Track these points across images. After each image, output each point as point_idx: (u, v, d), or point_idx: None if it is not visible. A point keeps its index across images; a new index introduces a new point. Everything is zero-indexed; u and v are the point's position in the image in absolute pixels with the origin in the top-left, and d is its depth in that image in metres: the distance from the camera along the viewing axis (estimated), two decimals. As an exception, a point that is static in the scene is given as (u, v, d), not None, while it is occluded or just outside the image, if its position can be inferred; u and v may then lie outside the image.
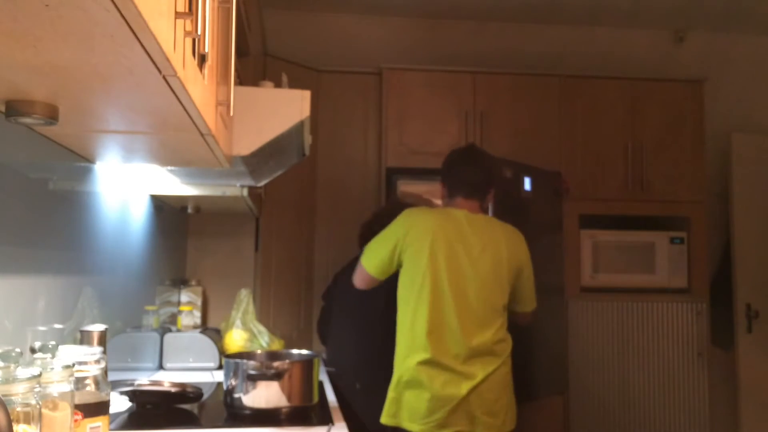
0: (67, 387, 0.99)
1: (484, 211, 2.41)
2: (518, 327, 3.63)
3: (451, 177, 2.39)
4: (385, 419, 2.24)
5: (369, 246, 2.36)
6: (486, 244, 2.27)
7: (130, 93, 1.03)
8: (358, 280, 2.39)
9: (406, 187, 3.46)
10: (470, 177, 2.36)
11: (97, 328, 1.51)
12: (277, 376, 1.70)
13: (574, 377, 3.56)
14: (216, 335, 2.61)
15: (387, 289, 2.39)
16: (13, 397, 0.85)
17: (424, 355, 2.17)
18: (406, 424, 2.18)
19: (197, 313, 2.90)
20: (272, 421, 1.64)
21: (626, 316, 3.63)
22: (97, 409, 1.11)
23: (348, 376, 2.68)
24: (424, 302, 2.20)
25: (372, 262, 2.32)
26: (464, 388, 2.16)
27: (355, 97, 3.67)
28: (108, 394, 1.15)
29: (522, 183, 3.31)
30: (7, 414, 0.75)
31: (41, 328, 1.50)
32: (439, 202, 2.59)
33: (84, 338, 1.49)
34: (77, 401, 1.05)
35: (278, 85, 1.81)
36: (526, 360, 3.51)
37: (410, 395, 2.18)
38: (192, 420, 1.73)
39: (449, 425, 2.14)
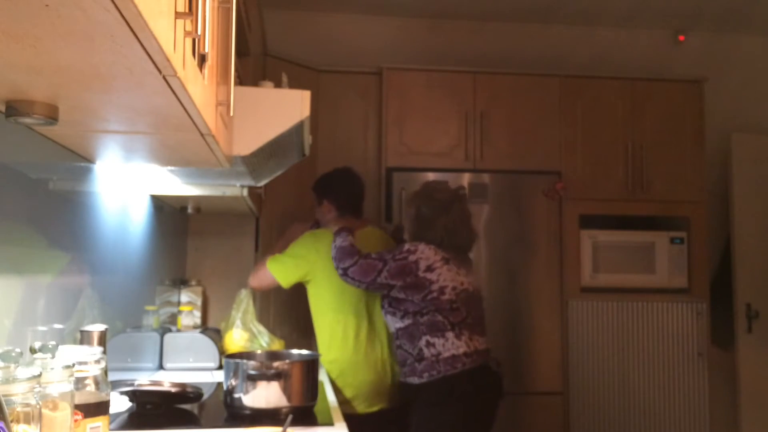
0: (67, 387, 0.99)
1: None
2: (516, 325, 3.64)
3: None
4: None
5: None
6: None
7: (130, 93, 1.03)
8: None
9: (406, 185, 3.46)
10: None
11: (97, 328, 1.51)
12: (277, 376, 1.70)
13: (574, 377, 3.56)
14: (216, 335, 2.61)
15: None
16: (13, 397, 0.85)
17: None
18: None
19: (197, 313, 2.90)
20: (272, 421, 1.64)
21: (626, 316, 3.63)
22: (97, 409, 1.11)
23: None
24: None
25: None
26: None
27: (355, 97, 3.66)
28: (108, 394, 1.15)
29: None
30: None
31: (41, 328, 1.49)
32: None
33: (84, 338, 1.49)
34: (77, 401, 1.05)
35: (278, 85, 1.81)
36: (524, 357, 3.52)
37: None
38: (192, 420, 1.73)
39: None
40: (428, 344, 2.35)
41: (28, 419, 0.86)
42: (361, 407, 2.51)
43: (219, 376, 2.24)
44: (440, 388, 2.33)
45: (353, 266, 2.38)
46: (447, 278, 2.37)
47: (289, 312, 3.45)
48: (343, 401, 2.46)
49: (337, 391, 2.49)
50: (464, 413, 2.30)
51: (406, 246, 2.42)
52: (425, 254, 2.38)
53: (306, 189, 3.59)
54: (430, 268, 2.36)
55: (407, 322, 2.39)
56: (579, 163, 3.65)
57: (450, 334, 2.34)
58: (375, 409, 2.53)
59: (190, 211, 2.95)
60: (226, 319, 2.67)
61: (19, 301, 1.40)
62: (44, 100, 1.08)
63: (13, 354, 0.87)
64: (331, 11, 3.99)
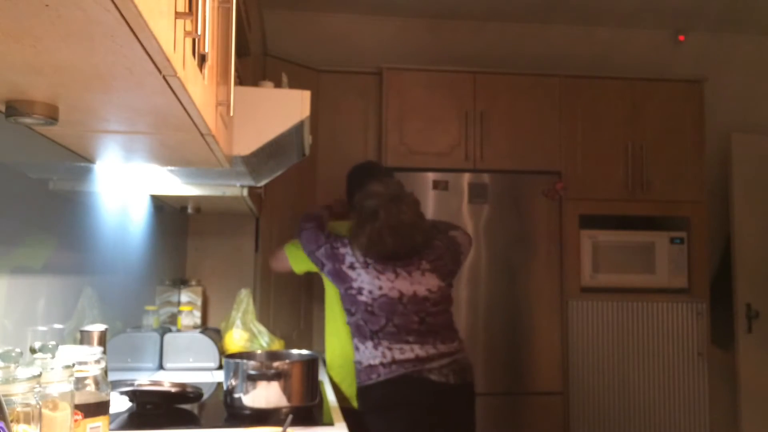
0: (67, 387, 0.99)
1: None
2: (516, 325, 3.63)
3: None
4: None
5: None
6: None
7: (130, 93, 1.03)
8: None
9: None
10: None
11: (97, 328, 1.51)
12: (277, 376, 1.70)
13: (573, 377, 3.56)
14: (216, 335, 2.61)
15: None
16: (13, 397, 0.85)
17: None
18: None
19: (197, 313, 2.90)
20: (272, 421, 1.64)
21: (626, 316, 3.63)
22: (97, 409, 1.11)
23: None
24: None
25: None
26: None
27: (355, 97, 3.66)
28: (108, 394, 1.15)
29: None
30: None
31: (41, 328, 1.50)
32: None
33: (84, 338, 1.49)
34: (77, 401, 1.05)
35: (278, 85, 1.81)
36: (525, 357, 3.52)
37: None
38: (192, 420, 1.73)
39: None
40: (356, 348, 2.36)
41: (28, 419, 0.86)
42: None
43: (219, 376, 2.25)
44: (362, 397, 2.33)
45: (306, 231, 2.48)
46: (365, 280, 2.32)
47: (289, 312, 3.45)
48: (344, 398, 2.45)
49: (347, 386, 2.49)
50: (388, 424, 2.26)
51: (344, 239, 2.43)
52: (352, 253, 2.38)
53: (306, 189, 3.60)
54: (352, 266, 2.36)
55: (347, 319, 2.41)
56: (579, 163, 3.65)
57: (369, 343, 2.30)
58: None
59: (190, 211, 2.95)
60: (226, 319, 2.67)
61: (19, 301, 1.40)
62: (44, 100, 1.07)
63: (13, 354, 0.87)
64: (331, 11, 3.99)
